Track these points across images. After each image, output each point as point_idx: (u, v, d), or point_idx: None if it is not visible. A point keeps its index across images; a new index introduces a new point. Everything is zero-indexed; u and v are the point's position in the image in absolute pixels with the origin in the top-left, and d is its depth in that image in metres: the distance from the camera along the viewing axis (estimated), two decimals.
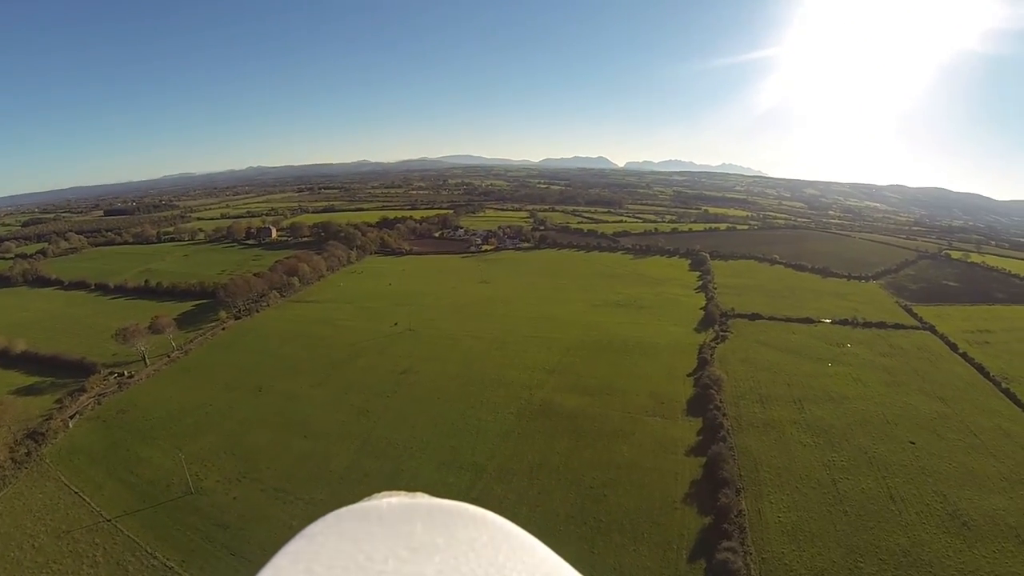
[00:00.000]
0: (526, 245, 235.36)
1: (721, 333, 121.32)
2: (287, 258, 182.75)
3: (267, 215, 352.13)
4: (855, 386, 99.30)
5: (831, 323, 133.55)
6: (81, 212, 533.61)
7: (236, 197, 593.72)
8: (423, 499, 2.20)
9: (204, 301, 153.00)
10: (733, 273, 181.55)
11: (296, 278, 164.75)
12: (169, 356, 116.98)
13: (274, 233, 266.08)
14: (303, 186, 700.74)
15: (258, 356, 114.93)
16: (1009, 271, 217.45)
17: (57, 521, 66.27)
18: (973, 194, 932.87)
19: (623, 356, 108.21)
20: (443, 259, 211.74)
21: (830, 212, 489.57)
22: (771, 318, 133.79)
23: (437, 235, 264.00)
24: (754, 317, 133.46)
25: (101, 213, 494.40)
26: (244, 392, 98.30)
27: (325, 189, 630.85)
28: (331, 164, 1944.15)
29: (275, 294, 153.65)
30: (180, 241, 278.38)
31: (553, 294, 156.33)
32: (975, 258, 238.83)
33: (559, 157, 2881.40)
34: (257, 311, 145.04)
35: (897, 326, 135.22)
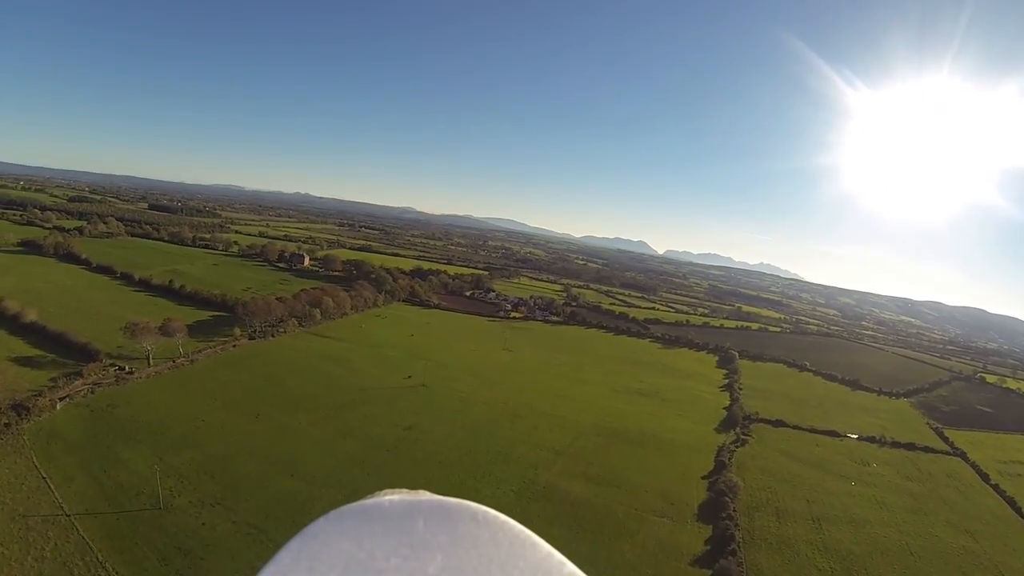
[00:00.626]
0: (555, 319, 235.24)
1: (742, 436, 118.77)
2: (313, 288, 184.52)
3: (304, 242, 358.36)
4: (878, 510, 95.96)
5: (857, 439, 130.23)
6: (128, 200, 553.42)
7: (278, 219, 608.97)
8: (425, 496, 2.16)
9: (222, 314, 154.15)
10: (761, 376, 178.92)
11: (318, 310, 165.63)
12: (174, 361, 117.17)
13: (307, 261, 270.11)
14: (345, 221, 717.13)
15: (263, 381, 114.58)
16: None
17: (16, 502, 64.94)
18: (1011, 317, 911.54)
19: (637, 448, 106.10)
20: (470, 319, 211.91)
21: (863, 323, 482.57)
22: (796, 427, 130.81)
23: (468, 294, 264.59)
24: (778, 424, 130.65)
25: (146, 206, 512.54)
26: (240, 415, 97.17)
27: (366, 228, 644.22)
28: (376, 205, 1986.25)
29: (294, 322, 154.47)
30: (213, 249, 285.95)
31: (575, 372, 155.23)
32: (1011, 384, 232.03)
33: (600, 236, 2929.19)
34: (272, 335, 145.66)
35: (927, 449, 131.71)
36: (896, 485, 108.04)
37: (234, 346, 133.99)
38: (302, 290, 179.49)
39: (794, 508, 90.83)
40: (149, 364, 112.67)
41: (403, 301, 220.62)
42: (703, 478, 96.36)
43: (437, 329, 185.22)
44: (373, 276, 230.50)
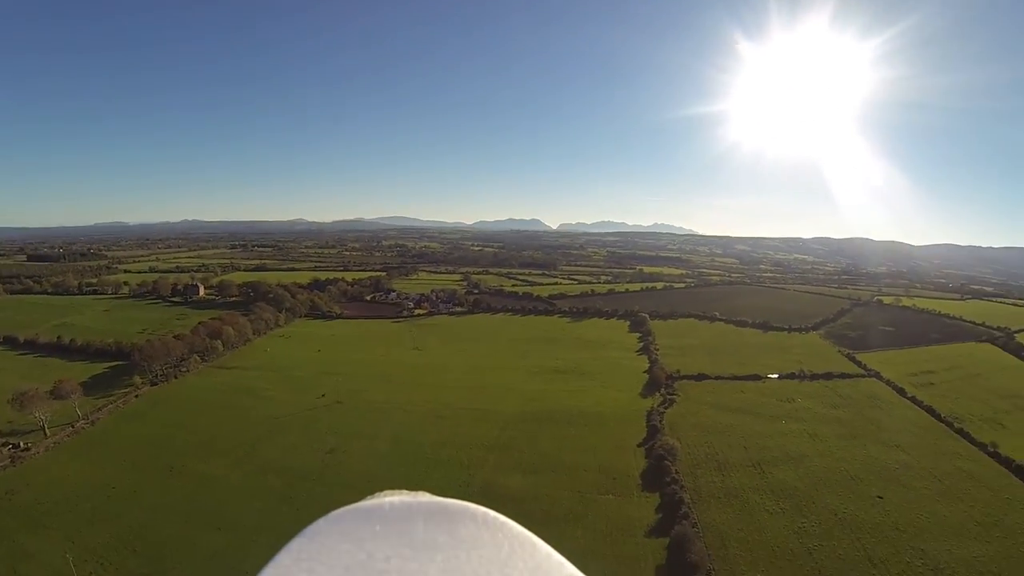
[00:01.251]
0: (460, 309, 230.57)
1: (668, 397, 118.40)
2: (212, 319, 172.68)
3: (197, 271, 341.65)
4: (812, 443, 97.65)
5: (778, 378, 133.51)
6: (3, 255, 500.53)
7: (168, 250, 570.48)
8: (425, 498, 2.22)
9: (119, 363, 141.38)
10: (674, 333, 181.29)
11: (219, 342, 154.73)
12: (73, 426, 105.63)
13: (201, 291, 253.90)
14: (236, 242, 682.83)
15: (172, 429, 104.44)
16: (938, 311, 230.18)
17: None
18: (894, 242, 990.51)
19: (567, 428, 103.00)
20: (374, 324, 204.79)
21: (761, 266, 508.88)
22: (718, 377, 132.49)
23: (369, 298, 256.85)
24: (700, 378, 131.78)
25: (24, 258, 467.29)
26: (153, 472, 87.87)
27: (258, 247, 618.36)
28: (267, 221, 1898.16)
29: (196, 359, 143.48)
30: (103, 294, 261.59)
31: (489, 361, 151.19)
32: (906, 302, 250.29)
33: (493, 219, 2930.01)
34: (175, 377, 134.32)
35: (843, 375, 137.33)
36: (823, 415, 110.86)
37: (136, 396, 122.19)
38: (199, 323, 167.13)
39: (733, 458, 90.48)
40: (46, 435, 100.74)
41: (305, 316, 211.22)
42: (639, 446, 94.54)
43: (343, 340, 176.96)
44: (271, 296, 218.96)
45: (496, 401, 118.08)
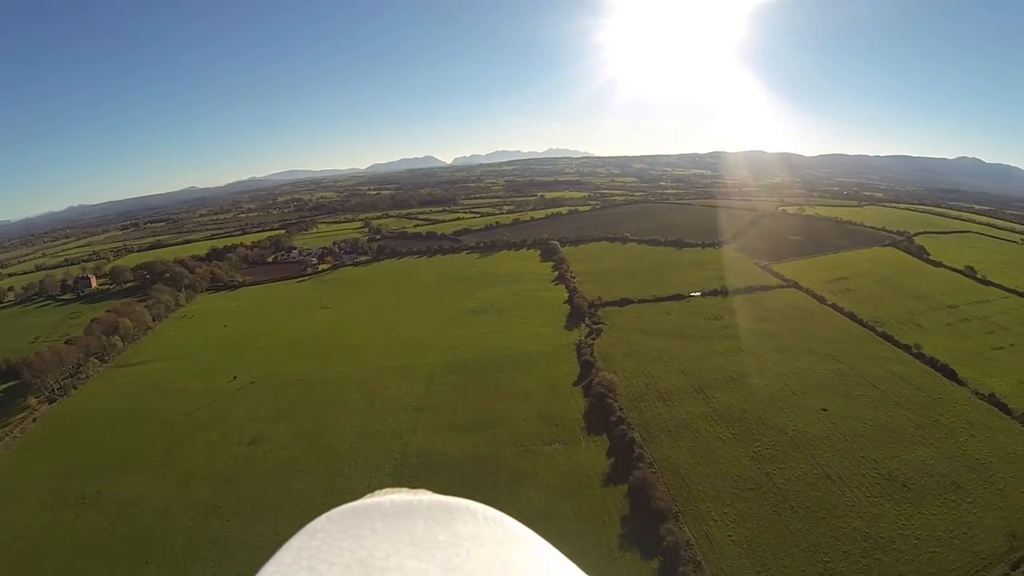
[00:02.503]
0: (364, 259, 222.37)
1: (595, 327, 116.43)
2: (108, 312, 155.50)
3: (87, 261, 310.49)
4: (749, 360, 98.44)
5: (702, 295, 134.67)
6: None
7: (54, 243, 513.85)
8: (425, 495, 2.29)
9: (12, 383, 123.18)
10: (588, 258, 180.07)
11: (117, 337, 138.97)
12: None
13: (94, 282, 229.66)
14: (128, 223, 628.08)
15: (79, 452, 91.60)
16: (840, 219, 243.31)
17: None
18: (787, 153, 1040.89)
19: (496, 374, 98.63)
20: (280, 287, 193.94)
21: (662, 183, 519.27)
22: (641, 301, 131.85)
23: (271, 260, 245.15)
24: (624, 303, 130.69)
25: None
26: (65, 508, 76.20)
27: (151, 223, 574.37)
28: (157, 195, 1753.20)
29: (94, 362, 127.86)
30: None
31: (403, 312, 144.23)
32: (808, 211, 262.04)
33: (387, 161, 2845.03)
34: (74, 388, 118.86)
35: (764, 288, 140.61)
36: (754, 330, 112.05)
37: (34, 420, 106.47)
38: (93, 320, 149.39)
39: (675, 385, 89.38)
40: None
41: (207, 291, 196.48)
42: (575, 385, 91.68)
43: (249, 311, 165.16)
44: (167, 275, 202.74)
45: (417, 354, 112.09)
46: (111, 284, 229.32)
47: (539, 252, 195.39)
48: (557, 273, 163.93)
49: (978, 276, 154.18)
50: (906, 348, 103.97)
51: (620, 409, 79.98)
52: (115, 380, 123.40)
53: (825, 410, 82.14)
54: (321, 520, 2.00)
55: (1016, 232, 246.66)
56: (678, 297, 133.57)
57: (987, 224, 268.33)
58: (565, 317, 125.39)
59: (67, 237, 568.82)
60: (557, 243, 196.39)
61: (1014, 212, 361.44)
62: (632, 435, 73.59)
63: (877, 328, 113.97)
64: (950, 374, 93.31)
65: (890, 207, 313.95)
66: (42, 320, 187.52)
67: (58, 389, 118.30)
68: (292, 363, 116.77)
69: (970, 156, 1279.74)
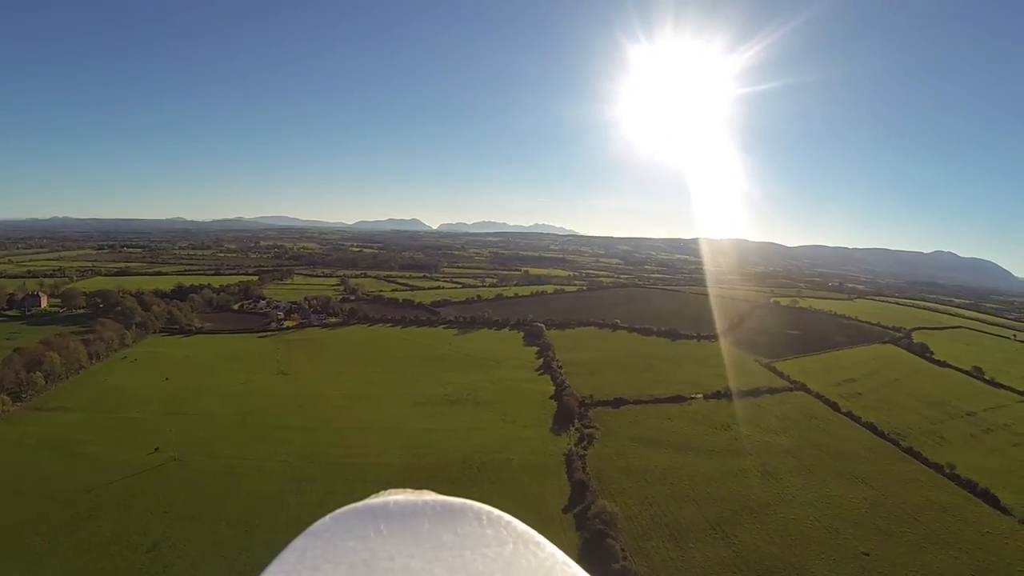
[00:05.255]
0: (334, 320, 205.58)
1: (586, 431, 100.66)
2: (41, 342, 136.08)
3: (48, 276, 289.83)
4: (770, 484, 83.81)
5: (704, 398, 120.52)
6: None
7: (25, 251, 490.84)
8: (429, 496, 2.29)
9: None
10: (576, 345, 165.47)
11: (40, 373, 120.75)
12: None
13: (44, 301, 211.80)
14: (105, 243, 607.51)
15: None
16: (834, 312, 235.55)
17: None
18: (769, 243, 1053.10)
19: (470, 488, 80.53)
20: (238, 340, 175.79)
21: (647, 267, 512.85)
22: (637, 401, 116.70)
23: (236, 307, 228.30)
24: (618, 403, 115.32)
25: None
26: None
27: (128, 247, 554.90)
28: (143, 220, 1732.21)
29: (3, 399, 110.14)
30: None
31: (366, 389, 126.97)
32: (802, 303, 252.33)
33: (373, 219, 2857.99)
34: None
35: (771, 390, 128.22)
36: (768, 444, 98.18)
37: None
38: (15, 350, 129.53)
39: (687, 518, 73.35)
40: None
41: (161, 332, 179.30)
42: (566, 511, 74.75)
43: (199, 363, 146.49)
44: (119, 308, 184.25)
45: (375, 449, 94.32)
46: (61, 307, 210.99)
47: (523, 334, 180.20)
48: (542, 360, 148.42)
49: (986, 377, 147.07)
50: (938, 468, 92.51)
51: (623, 552, 63.46)
52: (21, 426, 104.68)
53: (867, 554, 68.26)
54: (325, 521, 2.00)
55: (1007, 327, 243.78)
56: (678, 399, 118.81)
57: (976, 319, 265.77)
58: (552, 416, 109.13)
59: (42, 247, 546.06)
60: (543, 326, 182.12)
61: (991, 306, 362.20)
62: None
63: (901, 442, 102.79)
64: (992, 500, 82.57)
65: (879, 300, 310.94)
66: None
67: None
68: (227, 440, 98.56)
69: (945, 250, 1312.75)
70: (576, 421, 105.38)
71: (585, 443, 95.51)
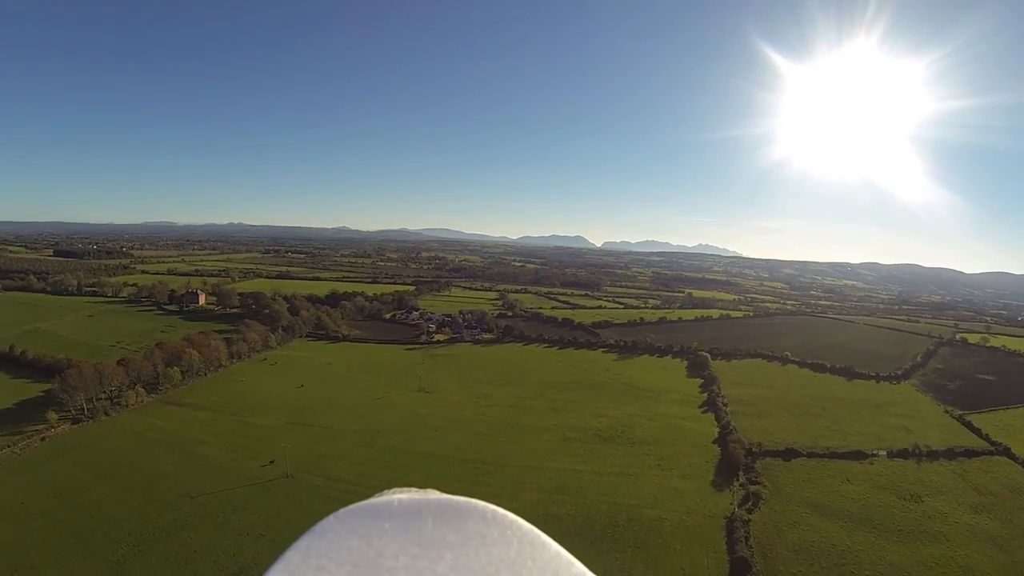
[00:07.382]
0: (487, 336, 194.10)
1: (751, 487, 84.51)
2: (186, 338, 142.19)
3: (214, 275, 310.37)
4: None
5: (888, 456, 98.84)
6: (35, 248, 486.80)
7: (199, 252, 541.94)
8: (434, 495, 2.19)
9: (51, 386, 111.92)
10: (743, 379, 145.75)
11: (178, 369, 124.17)
12: None
13: (202, 299, 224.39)
14: (273, 248, 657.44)
15: (50, 501, 74.91)
16: None
17: None
18: (944, 268, 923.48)
19: (611, 553, 67.65)
20: (384, 351, 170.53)
21: (813, 292, 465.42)
22: (811, 454, 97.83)
23: (388, 316, 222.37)
24: (789, 455, 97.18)
25: (51, 252, 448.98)
26: None
27: (292, 253, 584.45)
28: (311, 228, 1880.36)
29: (138, 391, 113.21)
30: (100, 296, 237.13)
31: (511, 416, 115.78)
32: (995, 342, 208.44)
33: (537, 235, 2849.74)
34: (106, 414, 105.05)
35: (968, 453, 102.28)
36: (967, 527, 76.41)
37: (43, 439, 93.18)
38: (156, 344, 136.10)
39: None
40: None
41: (308, 336, 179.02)
42: None
43: (338, 372, 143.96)
44: (267, 311, 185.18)
45: (512, 489, 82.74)
46: (217, 305, 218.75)
47: (686, 363, 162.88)
48: (706, 395, 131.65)
49: None
50: None
51: None
52: (150, 419, 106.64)
53: None
54: (330, 520, 1.87)
55: None
56: (858, 455, 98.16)
57: None
58: (714, 466, 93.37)
59: (214, 249, 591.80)
60: (708, 355, 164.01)
61: None
62: None
63: None
64: None
65: None
66: (136, 326, 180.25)
67: (87, 410, 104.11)
68: (347, 460, 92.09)
69: None
70: (741, 474, 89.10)
71: (750, 504, 79.44)
